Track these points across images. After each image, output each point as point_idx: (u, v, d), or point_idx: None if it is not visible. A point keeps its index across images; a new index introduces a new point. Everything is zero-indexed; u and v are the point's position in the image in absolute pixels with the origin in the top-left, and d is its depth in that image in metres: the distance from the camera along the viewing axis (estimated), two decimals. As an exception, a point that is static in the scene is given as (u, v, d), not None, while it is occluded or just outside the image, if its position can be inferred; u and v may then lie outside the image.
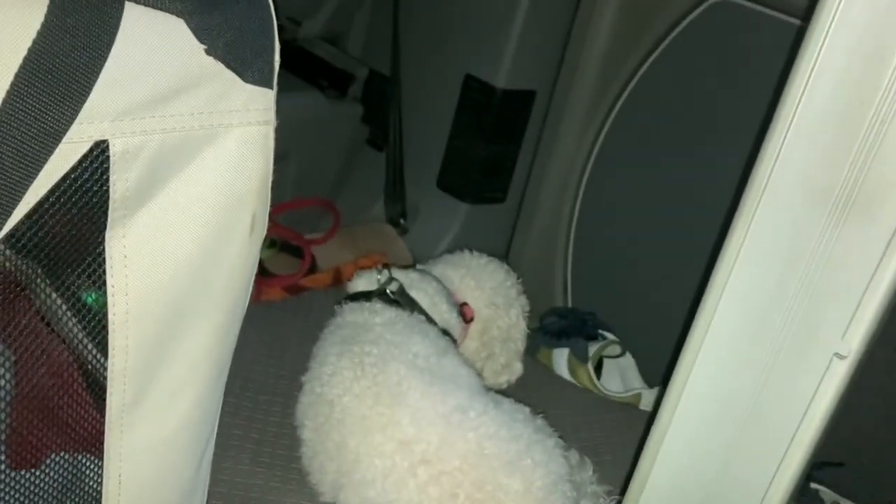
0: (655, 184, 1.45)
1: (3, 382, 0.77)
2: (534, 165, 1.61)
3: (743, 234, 0.42)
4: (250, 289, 0.68)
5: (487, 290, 1.15)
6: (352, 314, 1.02)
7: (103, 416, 0.65)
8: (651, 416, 0.52)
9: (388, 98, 1.62)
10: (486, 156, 1.57)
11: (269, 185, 0.63)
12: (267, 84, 0.60)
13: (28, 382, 0.77)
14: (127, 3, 0.51)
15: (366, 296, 1.06)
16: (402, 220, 1.67)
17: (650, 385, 1.36)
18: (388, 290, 1.05)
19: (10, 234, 0.51)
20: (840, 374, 0.45)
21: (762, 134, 0.45)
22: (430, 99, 1.61)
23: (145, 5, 0.52)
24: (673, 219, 1.42)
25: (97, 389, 0.72)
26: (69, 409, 0.80)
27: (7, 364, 0.77)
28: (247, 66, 0.59)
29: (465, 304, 1.14)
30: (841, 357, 0.44)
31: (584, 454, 1.05)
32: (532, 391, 1.18)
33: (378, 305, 1.02)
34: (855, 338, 0.44)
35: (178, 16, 0.53)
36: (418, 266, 1.19)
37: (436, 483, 0.82)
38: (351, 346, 0.94)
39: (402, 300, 1.05)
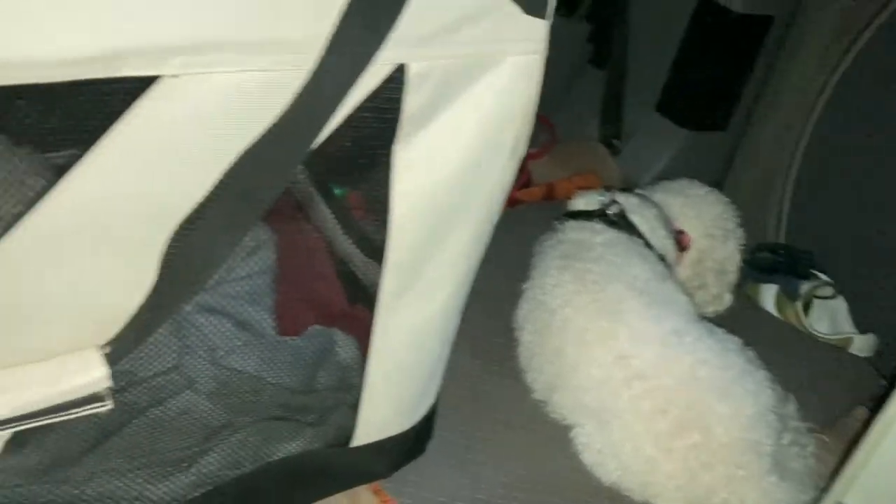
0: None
1: (270, 263, 0.92)
2: (762, 96, 1.55)
3: None
4: (504, 202, 0.75)
5: (706, 221, 1.15)
6: (573, 232, 1.06)
7: (369, 300, 0.75)
8: (890, 383, 0.52)
9: (615, 17, 1.61)
10: (713, 81, 1.53)
11: (534, 110, 0.68)
12: (542, 15, 0.64)
13: (291, 265, 0.91)
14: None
15: (586, 215, 1.09)
16: (615, 141, 1.67)
17: (861, 331, 1.32)
18: (608, 212, 1.08)
19: (319, 150, 0.58)
20: None
21: None
22: (659, 20, 1.57)
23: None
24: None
25: (352, 277, 0.83)
26: (326, 291, 0.94)
27: (274, 248, 0.90)
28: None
29: (682, 231, 1.15)
30: None
31: (787, 390, 1.05)
32: (738, 323, 1.18)
33: (599, 226, 1.05)
34: None
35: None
36: (637, 190, 1.21)
37: (649, 397, 0.86)
38: (573, 261, 0.99)
39: (622, 223, 1.07)
